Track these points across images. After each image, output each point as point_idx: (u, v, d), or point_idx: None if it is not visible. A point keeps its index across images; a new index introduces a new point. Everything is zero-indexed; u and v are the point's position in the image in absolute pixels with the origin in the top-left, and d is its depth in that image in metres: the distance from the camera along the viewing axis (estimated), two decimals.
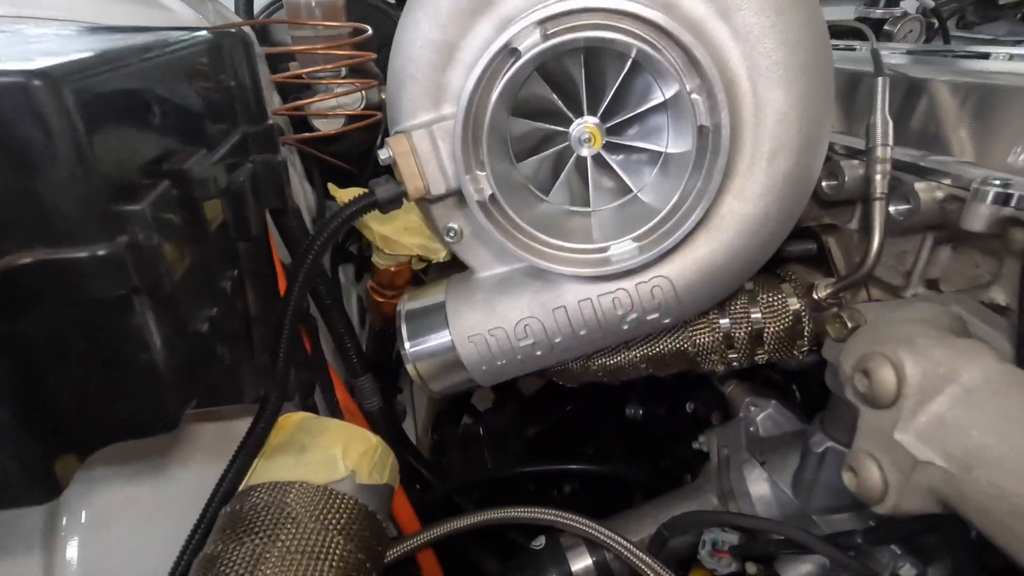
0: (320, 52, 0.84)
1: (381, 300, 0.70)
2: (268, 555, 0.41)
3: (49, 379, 0.26)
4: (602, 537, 0.59)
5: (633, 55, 0.42)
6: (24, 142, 0.22)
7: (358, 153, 0.94)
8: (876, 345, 0.28)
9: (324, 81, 0.85)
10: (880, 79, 0.51)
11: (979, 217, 0.42)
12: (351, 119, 0.86)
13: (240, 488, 0.48)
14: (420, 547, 0.61)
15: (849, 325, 0.42)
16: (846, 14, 1.50)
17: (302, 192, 0.75)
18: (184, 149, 0.34)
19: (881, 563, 0.45)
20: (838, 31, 1.48)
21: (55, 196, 0.23)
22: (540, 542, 0.66)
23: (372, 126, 0.88)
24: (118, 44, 0.30)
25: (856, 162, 0.53)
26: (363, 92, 0.86)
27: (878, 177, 0.48)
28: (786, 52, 0.41)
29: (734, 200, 0.45)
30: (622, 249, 0.46)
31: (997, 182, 0.41)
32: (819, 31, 0.43)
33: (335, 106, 0.85)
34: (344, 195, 0.62)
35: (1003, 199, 0.40)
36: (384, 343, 0.93)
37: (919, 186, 0.47)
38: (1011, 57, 0.57)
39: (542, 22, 0.39)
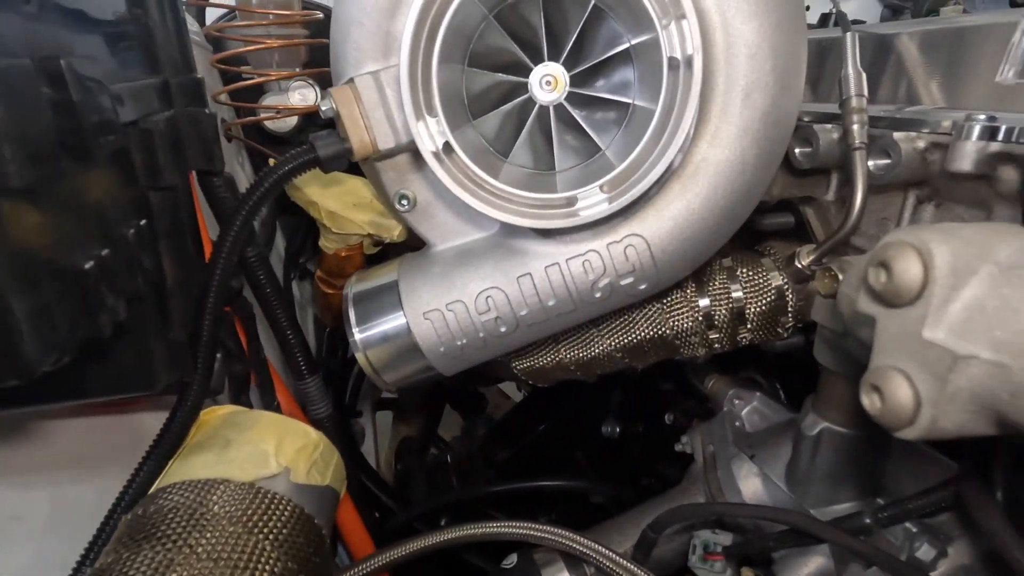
0: (272, 47, 0.80)
1: (331, 291, 0.63)
2: (175, 564, 0.34)
3: None
4: (581, 548, 0.52)
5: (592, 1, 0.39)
6: None
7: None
8: (894, 236, 0.24)
9: (274, 76, 0.81)
10: (848, 34, 0.49)
11: (966, 156, 0.39)
12: (306, 118, 0.82)
13: (150, 491, 0.40)
14: (374, 572, 0.53)
15: (840, 276, 0.38)
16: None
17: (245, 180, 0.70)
18: (71, 50, 0.28)
19: (895, 546, 0.39)
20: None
21: None
22: (511, 560, 0.58)
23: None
24: None
25: (830, 126, 0.50)
26: (316, 89, 0.82)
27: (855, 127, 0.46)
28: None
29: (708, 146, 0.41)
30: (590, 199, 0.41)
31: (982, 117, 0.39)
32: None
33: (284, 100, 0.81)
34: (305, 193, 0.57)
35: (990, 133, 0.38)
36: (337, 350, 0.85)
37: (898, 136, 0.45)
38: (963, 11, 0.56)
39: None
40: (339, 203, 0.55)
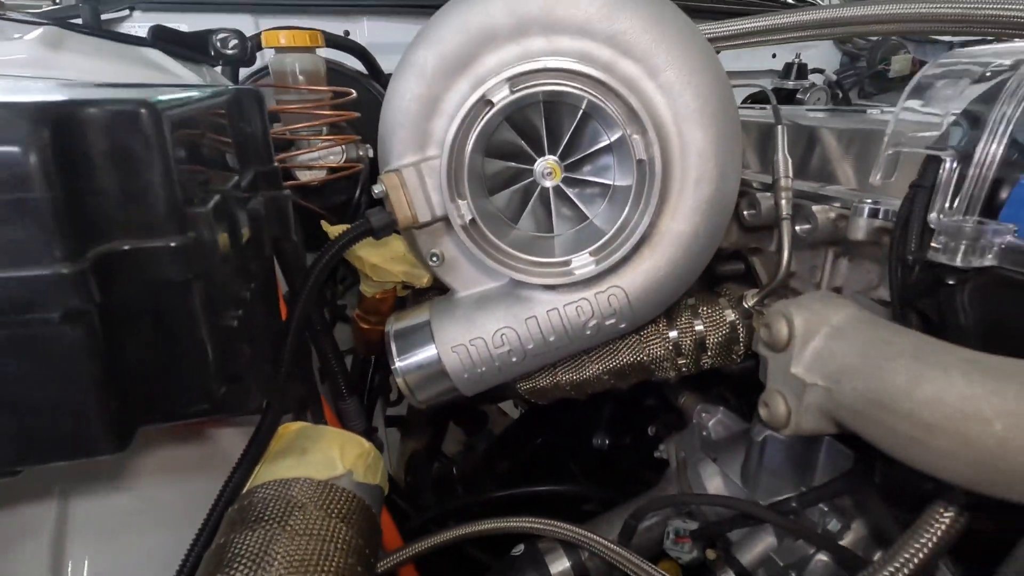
0: (302, 112, 0.94)
1: (367, 327, 0.76)
2: (279, 538, 0.45)
3: (126, 348, 0.31)
4: (577, 537, 0.64)
5: (583, 107, 0.53)
6: (130, 154, 0.28)
7: (337, 203, 1.02)
8: (774, 308, 0.37)
9: (305, 137, 0.94)
10: (779, 127, 0.63)
11: (860, 228, 0.53)
12: (333, 171, 0.95)
13: (244, 489, 0.52)
14: (405, 561, 0.64)
15: None
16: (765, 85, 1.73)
17: None
18: (221, 175, 0.41)
19: (813, 523, 0.52)
20: (759, 98, 1.68)
21: (148, 198, 0.29)
22: (519, 549, 0.70)
23: (350, 179, 0.98)
24: (182, 92, 0.38)
25: (769, 194, 0.64)
26: (343, 147, 0.96)
27: (783, 202, 0.59)
28: (701, 102, 0.52)
29: (669, 220, 0.55)
30: (581, 262, 0.55)
31: (869, 201, 0.53)
32: (725, 87, 0.55)
33: (316, 158, 0.94)
34: (335, 231, 0.70)
35: (874, 213, 0.52)
36: (362, 373, 0.98)
37: (816, 208, 0.59)
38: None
39: (511, 79, 0.50)
40: (380, 258, 0.67)
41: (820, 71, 1.75)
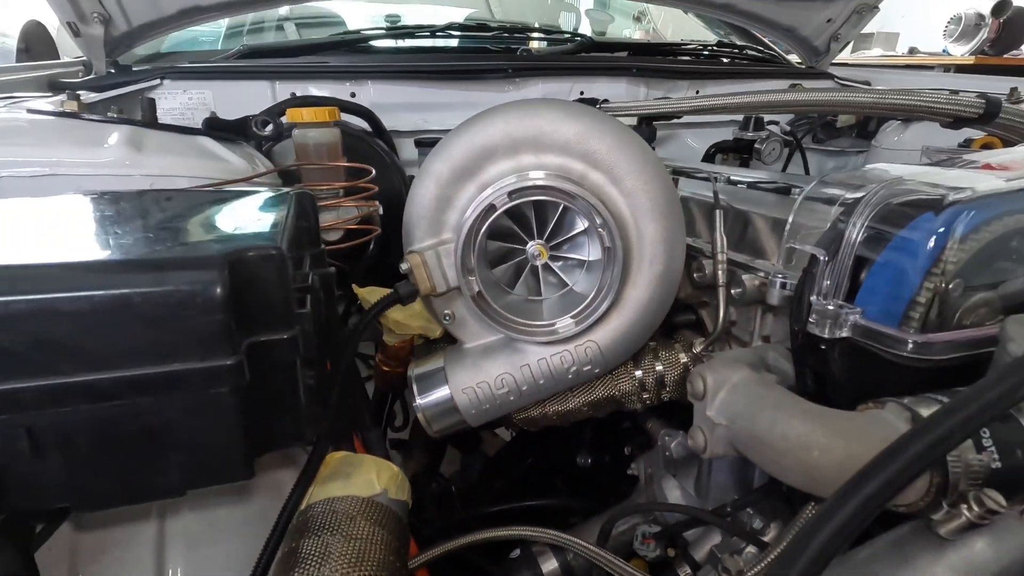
0: (324, 187, 1.09)
1: (387, 370, 0.91)
2: (336, 542, 0.60)
3: (254, 404, 0.46)
4: (563, 541, 0.79)
5: (562, 206, 0.69)
6: (266, 280, 0.43)
7: (350, 254, 1.17)
8: (696, 370, 0.53)
9: (326, 203, 1.10)
10: (717, 211, 0.80)
11: (775, 296, 0.70)
12: (351, 232, 1.10)
13: (301, 507, 0.66)
14: (425, 562, 0.79)
15: None
16: (727, 135, 1.92)
17: None
18: (300, 270, 0.56)
19: (744, 522, 0.68)
20: (724, 147, 1.88)
21: (274, 306, 0.44)
22: (516, 553, 0.85)
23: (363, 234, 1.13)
24: (278, 208, 0.53)
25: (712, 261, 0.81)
26: (358, 209, 1.11)
27: (719, 272, 0.76)
28: (652, 203, 0.69)
29: (631, 289, 0.71)
30: (564, 324, 0.71)
31: (780, 276, 0.69)
32: (671, 190, 0.72)
33: (335, 218, 1.09)
34: (364, 292, 0.85)
35: (783, 286, 0.69)
36: (379, 405, 1.12)
37: (745, 277, 0.75)
38: (800, 192, 0.87)
39: (510, 193, 0.66)
40: (402, 315, 0.82)
41: (775, 122, 1.95)
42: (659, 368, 0.83)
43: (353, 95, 1.57)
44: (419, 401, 0.76)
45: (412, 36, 1.88)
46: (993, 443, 0.40)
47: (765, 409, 0.47)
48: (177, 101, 1.44)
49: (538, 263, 0.72)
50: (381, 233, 1.26)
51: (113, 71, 1.53)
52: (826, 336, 0.55)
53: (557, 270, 0.74)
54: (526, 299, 0.75)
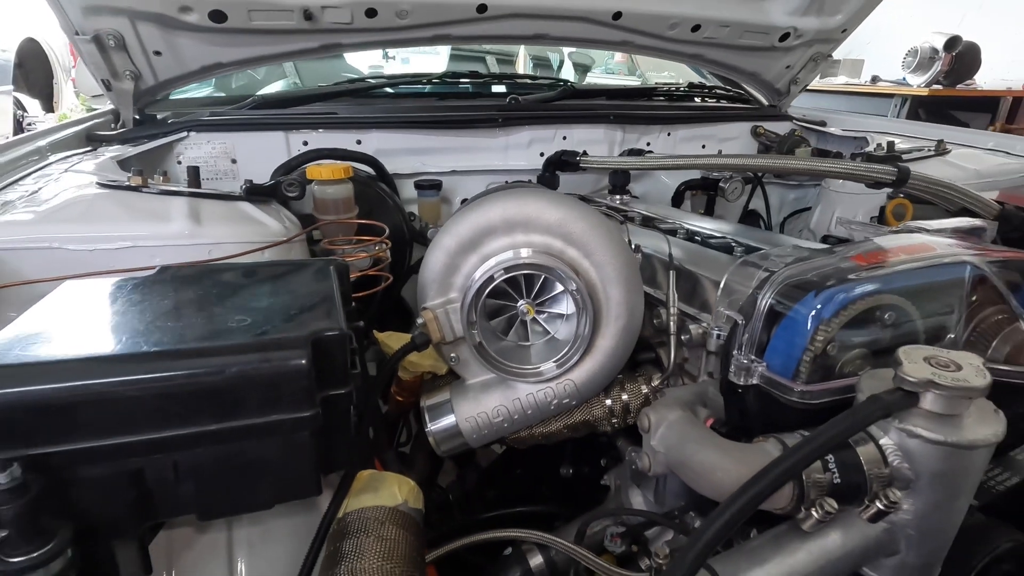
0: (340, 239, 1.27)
1: (402, 399, 1.08)
2: (369, 542, 0.77)
3: (323, 440, 0.63)
4: (547, 540, 0.97)
5: (543, 276, 0.87)
6: (333, 352, 0.61)
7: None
8: (643, 411, 0.72)
9: (340, 247, 1.27)
10: (671, 271, 0.99)
11: (712, 345, 0.89)
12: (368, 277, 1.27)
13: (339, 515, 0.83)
14: (434, 560, 0.96)
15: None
16: (691, 176, 2.13)
17: None
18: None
19: (687, 522, 0.87)
20: (693, 184, 2.08)
21: (339, 371, 0.62)
22: (508, 551, 1.03)
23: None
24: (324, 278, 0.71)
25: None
26: (369, 256, 1.29)
27: (671, 323, 0.95)
28: (617, 272, 0.88)
29: (600, 339, 0.90)
30: (548, 367, 0.89)
31: (716, 329, 0.88)
32: (632, 262, 0.90)
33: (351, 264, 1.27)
34: (383, 337, 1.02)
35: (719, 337, 0.88)
36: (392, 426, 1.29)
37: (692, 327, 0.94)
38: (746, 251, 1.06)
39: (505, 268, 0.84)
40: (415, 356, 1.00)
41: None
42: (624, 398, 1.02)
43: (359, 142, 1.75)
44: (430, 427, 0.94)
45: (411, 83, 2.06)
46: (835, 465, 0.59)
47: (689, 442, 0.66)
48: (202, 150, 1.60)
49: (526, 317, 0.91)
50: (390, 256, 1.43)
51: (138, 117, 1.69)
52: (741, 383, 0.74)
53: (542, 322, 0.92)
54: (517, 344, 0.94)
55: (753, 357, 0.76)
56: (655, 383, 1.00)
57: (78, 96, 5.69)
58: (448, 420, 0.93)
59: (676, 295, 0.97)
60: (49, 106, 5.97)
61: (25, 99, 5.17)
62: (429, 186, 1.75)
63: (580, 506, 1.40)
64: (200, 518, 0.61)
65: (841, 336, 0.73)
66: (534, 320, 0.92)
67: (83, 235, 0.87)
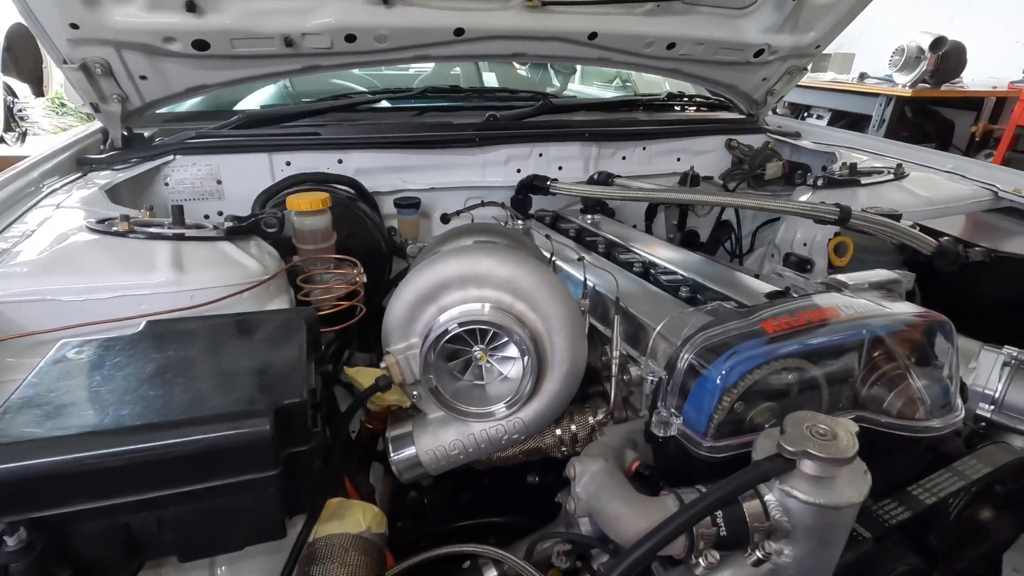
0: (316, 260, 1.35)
1: (372, 427, 1.18)
2: (335, 567, 0.88)
3: (288, 490, 0.73)
4: (501, 556, 1.08)
5: (493, 329, 0.97)
6: (295, 416, 0.70)
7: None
8: (571, 461, 0.82)
9: (317, 271, 1.35)
10: (616, 316, 1.08)
11: (647, 388, 0.98)
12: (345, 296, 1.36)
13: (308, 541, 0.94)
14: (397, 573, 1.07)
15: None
16: (672, 182, 2.20)
17: None
18: (312, 389, 0.83)
19: (621, 549, 0.98)
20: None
21: (300, 430, 0.71)
22: (467, 564, 1.14)
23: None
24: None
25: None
26: (344, 282, 1.37)
27: (613, 366, 1.05)
28: (561, 323, 0.97)
29: (547, 382, 1.00)
30: (499, 408, 0.99)
31: (651, 375, 0.98)
32: (576, 313, 0.99)
33: (327, 290, 1.35)
34: (353, 372, 1.12)
35: (652, 384, 0.97)
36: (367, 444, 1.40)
37: (633, 369, 1.04)
38: (692, 290, 1.15)
39: (459, 323, 0.93)
40: (381, 393, 1.10)
41: (709, 178, 2.23)
42: (573, 428, 1.12)
43: (340, 161, 1.81)
44: (393, 457, 1.04)
45: (393, 97, 2.12)
46: (722, 519, 0.69)
47: (603, 493, 0.76)
48: (188, 172, 1.68)
49: (482, 364, 1.00)
50: (365, 282, 1.52)
51: (127, 134, 1.75)
52: (661, 435, 0.84)
53: (494, 364, 1.02)
54: (473, 384, 1.03)
55: (673, 410, 0.85)
56: (600, 416, 1.10)
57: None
58: (409, 451, 1.04)
59: (620, 339, 1.06)
60: (39, 90, 5.95)
61: (15, 83, 5.16)
62: (408, 205, 1.83)
63: (546, 513, 1.51)
64: (181, 560, 0.71)
65: (748, 395, 0.82)
66: (488, 363, 1.01)
67: (75, 287, 0.96)
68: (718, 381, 0.80)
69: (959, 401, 0.91)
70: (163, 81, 1.65)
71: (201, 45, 1.54)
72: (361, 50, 1.72)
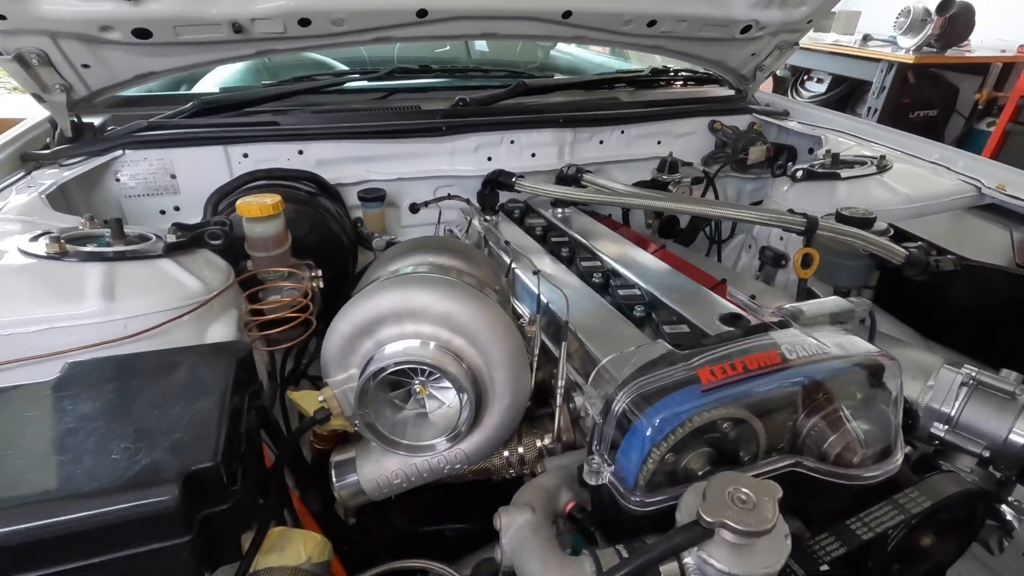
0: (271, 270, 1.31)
1: (320, 448, 1.18)
2: None
3: (207, 547, 0.73)
4: (447, 572, 1.10)
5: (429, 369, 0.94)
6: (207, 479, 0.69)
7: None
8: (500, 511, 0.82)
9: (270, 284, 1.32)
10: (564, 344, 1.06)
11: (589, 422, 0.97)
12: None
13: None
14: None
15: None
16: (645, 175, 2.13)
17: None
18: (236, 447, 0.82)
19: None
20: (643, 186, 2.07)
21: (214, 491, 0.70)
22: None
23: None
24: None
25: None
26: (298, 288, 1.33)
27: (558, 394, 1.03)
28: (501, 357, 0.95)
29: (487, 416, 0.98)
30: (441, 442, 0.97)
31: (589, 412, 0.96)
32: (519, 349, 0.97)
33: (279, 298, 1.32)
34: (296, 396, 1.10)
35: (592, 421, 0.96)
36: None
37: (577, 398, 1.02)
38: (648, 308, 1.12)
39: (395, 361, 0.90)
40: None
41: (689, 164, 2.16)
42: (520, 451, 1.11)
43: (301, 152, 1.74)
44: (336, 484, 1.04)
45: (359, 78, 2.02)
46: None
47: (524, 552, 0.76)
48: (139, 168, 1.61)
49: (423, 394, 0.98)
50: (330, 275, 1.49)
51: (76, 120, 1.67)
52: (592, 482, 0.83)
53: (436, 393, 1.00)
54: (416, 413, 1.02)
55: (605, 457, 0.84)
56: (547, 442, 1.09)
57: None
58: (352, 478, 1.03)
59: (566, 366, 1.04)
60: None
61: None
62: (372, 198, 1.77)
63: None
64: None
65: (681, 445, 0.81)
66: (429, 392, 0.99)
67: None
68: (648, 434, 0.78)
69: (900, 444, 0.89)
70: (108, 69, 1.56)
71: (142, 33, 1.45)
72: (317, 34, 1.62)
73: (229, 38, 1.54)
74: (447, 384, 0.99)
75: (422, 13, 1.65)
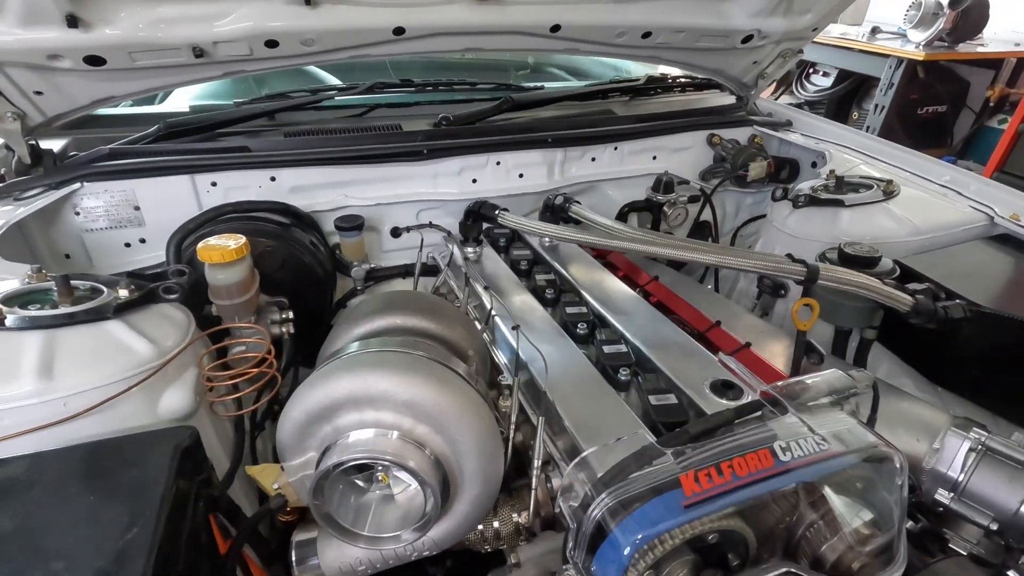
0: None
1: (284, 519, 1.11)
2: None
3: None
4: None
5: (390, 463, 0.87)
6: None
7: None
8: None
9: (232, 340, 1.24)
10: (540, 418, 0.98)
11: (565, 511, 0.90)
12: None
13: None
14: None
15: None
16: (639, 193, 2.04)
17: None
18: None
19: None
20: (636, 206, 1.97)
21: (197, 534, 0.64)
22: None
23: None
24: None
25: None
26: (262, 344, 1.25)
27: (534, 477, 0.95)
28: (470, 445, 0.87)
29: (457, 503, 0.91)
30: (407, 532, 0.90)
31: (565, 512, 0.89)
32: (489, 432, 0.89)
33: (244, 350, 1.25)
34: (255, 471, 1.03)
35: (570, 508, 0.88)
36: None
37: (555, 480, 0.95)
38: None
39: (352, 455, 0.83)
40: (288, 492, 1.02)
41: (686, 181, 2.06)
42: (496, 525, 1.04)
43: (273, 179, 1.65)
44: (296, 567, 0.97)
45: (336, 94, 1.91)
46: None
47: None
48: (100, 200, 1.52)
49: (383, 482, 0.91)
50: (306, 309, 1.42)
51: (34, 144, 1.57)
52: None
53: (401, 476, 0.92)
54: (382, 495, 0.95)
55: (580, 568, 0.77)
56: (523, 519, 1.02)
57: None
58: (313, 561, 0.96)
59: (543, 447, 0.97)
60: None
61: None
62: (349, 227, 1.68)
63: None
64: None
65: (662, 560, 0.73)
66: (394, 478, 0.92)
67: None
68: (625, 552, 0.71)
69: (902, 548, 0.82)
70: (63, 96, 1.47)
71: (95, 60, 1.35)
72: (287, 55, 1.52)
73: (190, 62, 1.44)
74: (407, 477, 0.92)
75: (399, 31, 1.54)
